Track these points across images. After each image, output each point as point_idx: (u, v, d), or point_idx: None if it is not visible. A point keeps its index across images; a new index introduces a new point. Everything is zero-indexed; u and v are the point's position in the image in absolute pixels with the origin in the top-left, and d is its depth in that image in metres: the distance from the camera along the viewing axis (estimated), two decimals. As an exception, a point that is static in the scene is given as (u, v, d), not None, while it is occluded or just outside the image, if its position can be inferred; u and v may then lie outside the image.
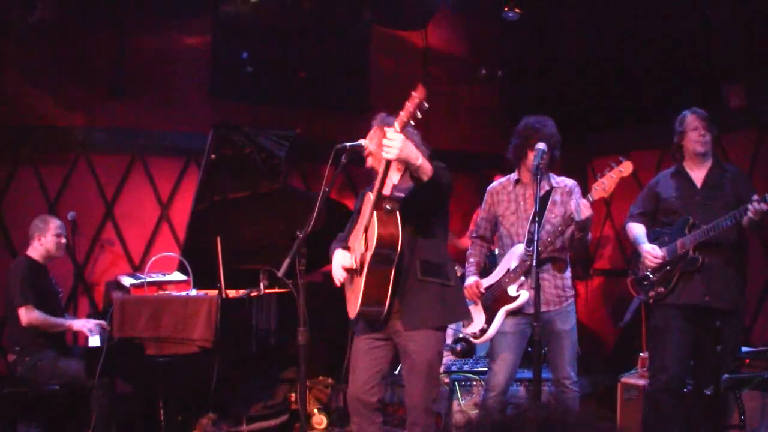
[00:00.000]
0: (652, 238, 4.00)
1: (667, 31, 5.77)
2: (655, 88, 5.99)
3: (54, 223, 4.81)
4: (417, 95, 2.89)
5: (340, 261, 3.43)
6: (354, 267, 3.36)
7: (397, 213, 3.20)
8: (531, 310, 3.83)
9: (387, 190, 3.36)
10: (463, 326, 4.20)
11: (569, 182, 4.06)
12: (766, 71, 5.22)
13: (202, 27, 6.28)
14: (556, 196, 4.00)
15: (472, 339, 4.12)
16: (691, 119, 3.96)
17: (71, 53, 5.89)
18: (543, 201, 3.93)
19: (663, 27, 5.77)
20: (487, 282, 4.07)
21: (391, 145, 2.90)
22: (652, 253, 3.89)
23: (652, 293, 3.95)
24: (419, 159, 2.98)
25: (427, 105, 2.89)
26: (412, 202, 3.23)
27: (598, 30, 6.29)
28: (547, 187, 4.01)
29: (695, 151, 3.94)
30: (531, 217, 3.89)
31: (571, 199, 3.93)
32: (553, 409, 1.36)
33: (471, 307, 4.08)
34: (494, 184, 4.21)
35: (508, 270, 3.97)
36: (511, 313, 3.94)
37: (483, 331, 3.99)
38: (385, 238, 3.15)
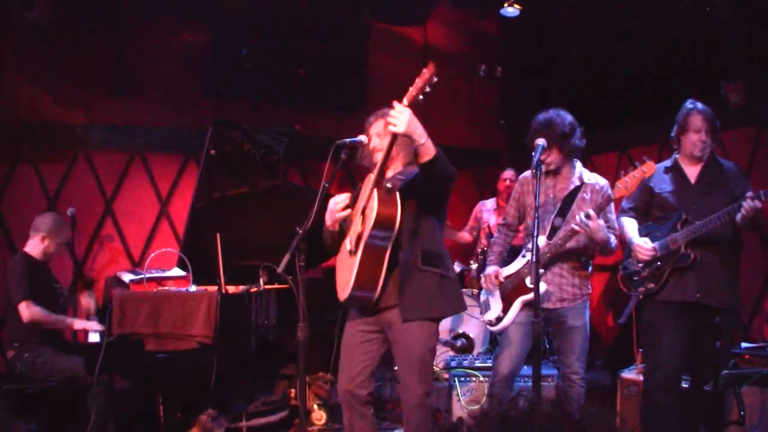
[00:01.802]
0: (644, 233, 3.92)
1: (667, 29, 5.78)
2: (655, 86, 6.00)
3: (66, 235, 4.85)
4: (427, 71, 2.89)
5: (338, 200, 3.35)
6: (350, 248, 3.32)
7: (397, 194, 3.18)
8: (546, 305, 3.84)
9: (388, 174, 3.35)
10: (481, 313, 4.22)
11: (601, 181, 4.00)
12: (766, 69, 5.22)
13: (201, 25, 6.29)
14: (586, 193, 3.93)
15: (488, 326, 4.14)
16: (694, 119, 3.81)
17: (70, 51, 5.91)
18: (571, 196, 3.91)
19: (663, 25, 5.78)
20: (507, 271, 4.07)
21: (398, 117, 2.90)
22: (642, 246, 3.81)
23: (642, 289, 3.87)
24: (423, 138, 2.98)
25: (436, 79, 2.89)
26: (413, 186, 3.22)
27: (597, 28, 6.30)
28: (578, 182, 3.96)
29: (692, 153, 3.85)
30: (555, 212, 3.87)
31: (600, 198, 3.88)
32: (563, 405, 1.38)
33: (489, 296, 4.12)
34: (526, 173, 4.14)
35: (528, 261, 3.96)
36: (526, 305, 3.93)
37: (499, 319, 4.00)
38: (384, 216, 3.12)
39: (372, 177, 3.26)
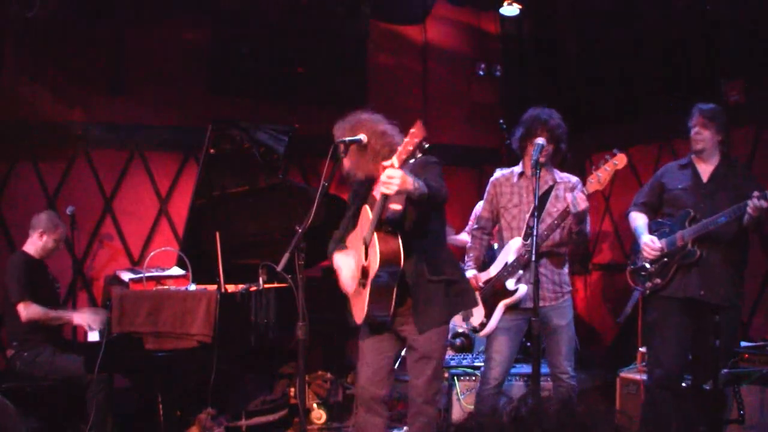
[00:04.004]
0: (654, 229, 3.99)
1: (667, 27, 5.77)
2: (655, 84, 6.00)
3: (61, 230, 4.82)
4: (416, 133, 2.87)
5: (349, 271, 3.39)
6: (360, 280, 3.35)
7: (398, 233, 3.21)
8: (529, 305, 3.83)
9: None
10: (464, 320, 4.21)
11: (573, 179, 4.04)
12: (765, 67, 5.21)
13: (201, 22, 6.29)
14: (559, 191, 3.98)
15: (472, 333, 4.13)
16: (693, 115, 3.95)
17: (70, 49, 5.91)
18: (545, 195, 3.94)
19: (663, 22, 5.78)
20: (485, 276, 4.07)
21: (391, 182, 2.90)
22: (650, 244, 3.89)
23: (649, 284, 3.94)
24: (416, 187, 2.99)
25: (426, 145, 2.88)
26: (410, 213, 3.24)
27: (597, 27, 6.30)
28: (551, 182, 4.00)
29: (692, 147, 3.96)
30: (531, 211, 3.85)
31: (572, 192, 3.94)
32: (571, 403, 1.39)
33: None
34: (497, 175, 4.18)
35: (506, 264, 3.97)
36: (509, 308, 3.94)
37: (483, 325, 3.99)
38: (388, 255, 3.17)
39: (368, 211, 3.29)
